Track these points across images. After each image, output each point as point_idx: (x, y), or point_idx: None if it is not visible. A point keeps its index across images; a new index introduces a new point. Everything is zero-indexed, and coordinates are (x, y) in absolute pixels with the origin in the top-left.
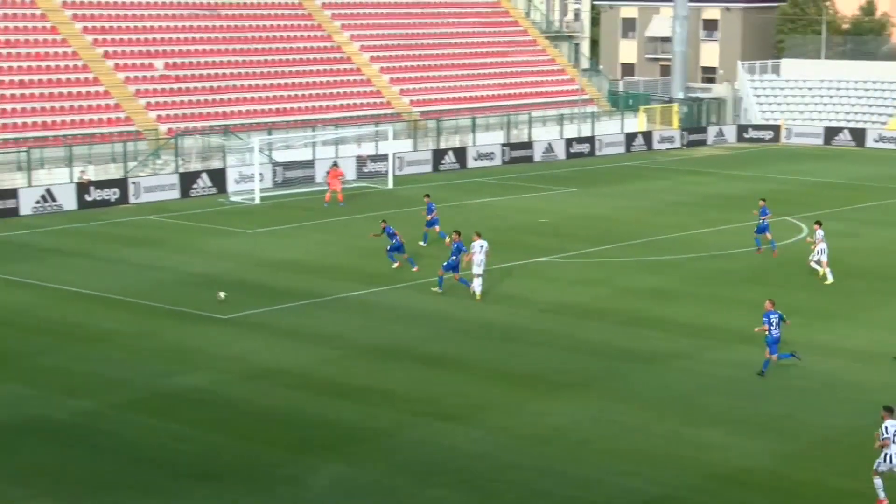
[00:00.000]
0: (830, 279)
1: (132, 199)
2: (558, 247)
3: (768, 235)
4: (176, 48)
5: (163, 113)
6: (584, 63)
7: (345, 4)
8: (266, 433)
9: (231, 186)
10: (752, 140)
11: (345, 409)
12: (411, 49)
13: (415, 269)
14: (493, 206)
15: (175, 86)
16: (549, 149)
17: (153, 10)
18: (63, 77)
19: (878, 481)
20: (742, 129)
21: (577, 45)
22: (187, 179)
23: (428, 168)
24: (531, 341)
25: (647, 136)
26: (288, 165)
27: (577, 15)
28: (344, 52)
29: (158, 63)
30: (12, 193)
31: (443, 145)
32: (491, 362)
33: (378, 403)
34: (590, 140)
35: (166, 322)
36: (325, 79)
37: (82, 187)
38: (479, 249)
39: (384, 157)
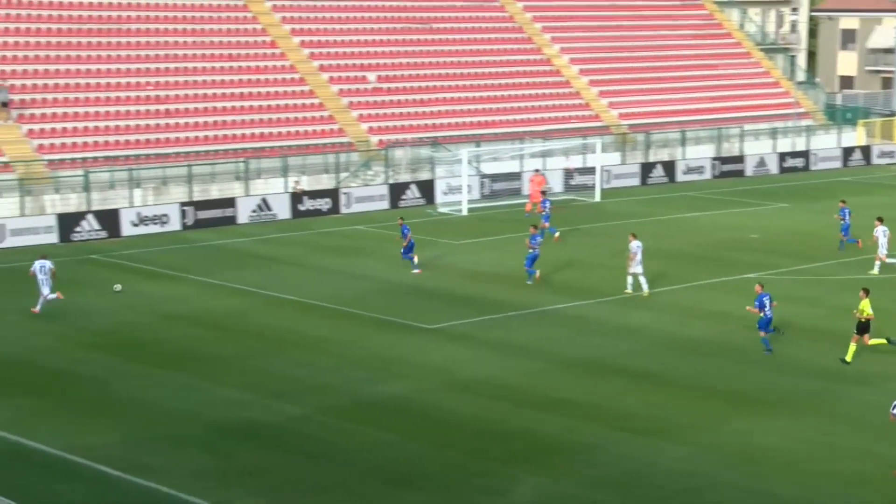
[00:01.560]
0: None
1: (343, 209)
2: (769, 263)
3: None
4: (388, 61)
5: (374, 125)
6: (800, 75)
7: (555, 17)
8: (468, 443)
9: (439, 198)
10: None
11: (547, 421)
12: (621, 62)
13: (416, 272)
14: (701, 220)
15: (386, 98)
16: (762, 163)
17: (367, 24)
18: (280, 90)
19: None
20: None
21: (793, 57)
22: (397, 190)
23: (636, 181)
24: (737, 358)
25: (866, 150)
26: (495, 177)
27: (793, 26)
28: (553, 65)
29: (371, 76)
30: (230, 202)
31: (651, 159)
32: (695, 378)
33: (580, 417)
34: (804, 154)
35: (372, 330)
36: (533, 91)
37: (296, 197)
38: (637, 250)
39: (591, 170)
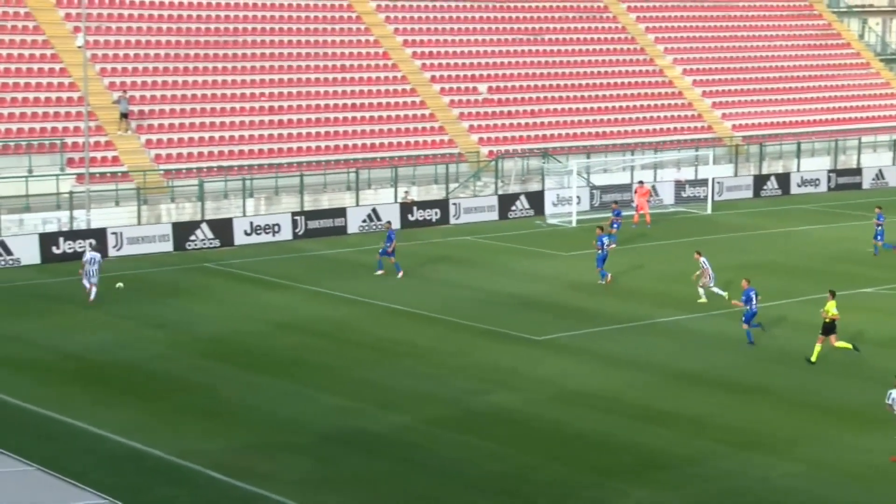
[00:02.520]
0: None
1: (452, 220)
2: (883, 277)
3: (878, 241)
4: (499, 72)
5: (484, 136)
6: None
7: (667, 28)
8: (575, 456)
9: (548, 209)
10: None
11: (653, 434)
12: (734, 72)
13: (399, 275)
14: (814, 234)
15: (497, 109)
16: (880, 175)
17: (478, 35)
18: (391, 101)
19: None
20: None
21: None
22: (506, 201)
23: (748, 194)
24: (848, 374)
25: None
26: (605, 189)
27: None
28: (665, 76)
29: (482, 87)
30: (341, 212)
31: (765, 171)
32: (805, 393)
33: (687, 430)
34: None
35: (479, 341)
36: (645, 102)
37: (406, 207)
38: (707, 265)
39: (703, 182)
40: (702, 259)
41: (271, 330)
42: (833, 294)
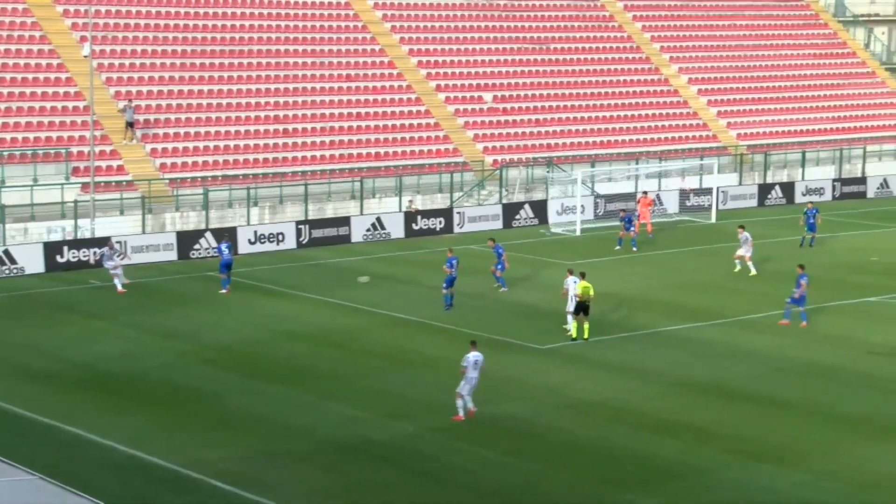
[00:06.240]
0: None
1: (456, 229)
2: (890, 286)
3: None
4: (504, 81)
5: (489, 145)
6: None
7: (673, 37)
8: (583, 466)
9: (552, 218)
10: None
11: (661, 444)
12: (740, 81)
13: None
14: (820, 242)
15: (502, 118)
16: (884, 184)
17: (483, 45)
18: (396, 109)
19: None
20: None
21: None
22: (510, 210)
23: (753, 203)
24: (858, 383)
25: None
26: (610, 198)
27: None
28: (671, 85)
29: (487, 96)
30: (345, 221)
31: (770, 179)
32: (814, 403)
33: (695, 440)
34: None
35: (485, 350)
36: (650, 111)
37: (410, 216)
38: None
39: (708, 191)
40: (744, 233)
41: (277, 339)
42: (583, 274)
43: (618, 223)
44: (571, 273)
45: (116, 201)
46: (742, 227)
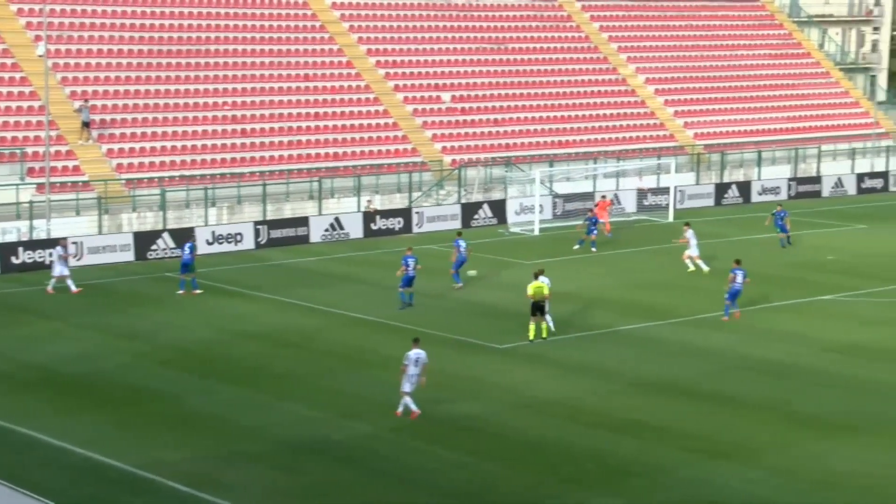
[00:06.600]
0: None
1: (415, 229)
2: (845, 285)
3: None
4: (462, 81)
5: (447, 144)
6: (881, 95)
7: (630, 37)
8: (540, 464)
9: (511, 217)
10: None
11: (618, 442)
12: (696, 81)
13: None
14: (776, 241)
15: (460, 118)
16: (839, 184)
17: (441, 45)
18: (354, 109)
19: None
20: None
21: (873, 76)
22: (469, 210)
23: (710, 202)
24: (813, 381)
25: None
26: (568, 197)
27: (874, 46)
28: (629, 85)
29: (445, 96)
30: (304, 221)
31: (726, 179)
32: (769, 401)
33: (652, 439)
34: (883, 175)
35: (444, 350)
36: (608, 111)
37: (369, 216)
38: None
39: (665, 191)
40: (689, 230)
41: (235, 339)
42: (536, 275)
43: (577, 222)
44: (689, 226)
45: (72, 202)
46: (688, 224)
